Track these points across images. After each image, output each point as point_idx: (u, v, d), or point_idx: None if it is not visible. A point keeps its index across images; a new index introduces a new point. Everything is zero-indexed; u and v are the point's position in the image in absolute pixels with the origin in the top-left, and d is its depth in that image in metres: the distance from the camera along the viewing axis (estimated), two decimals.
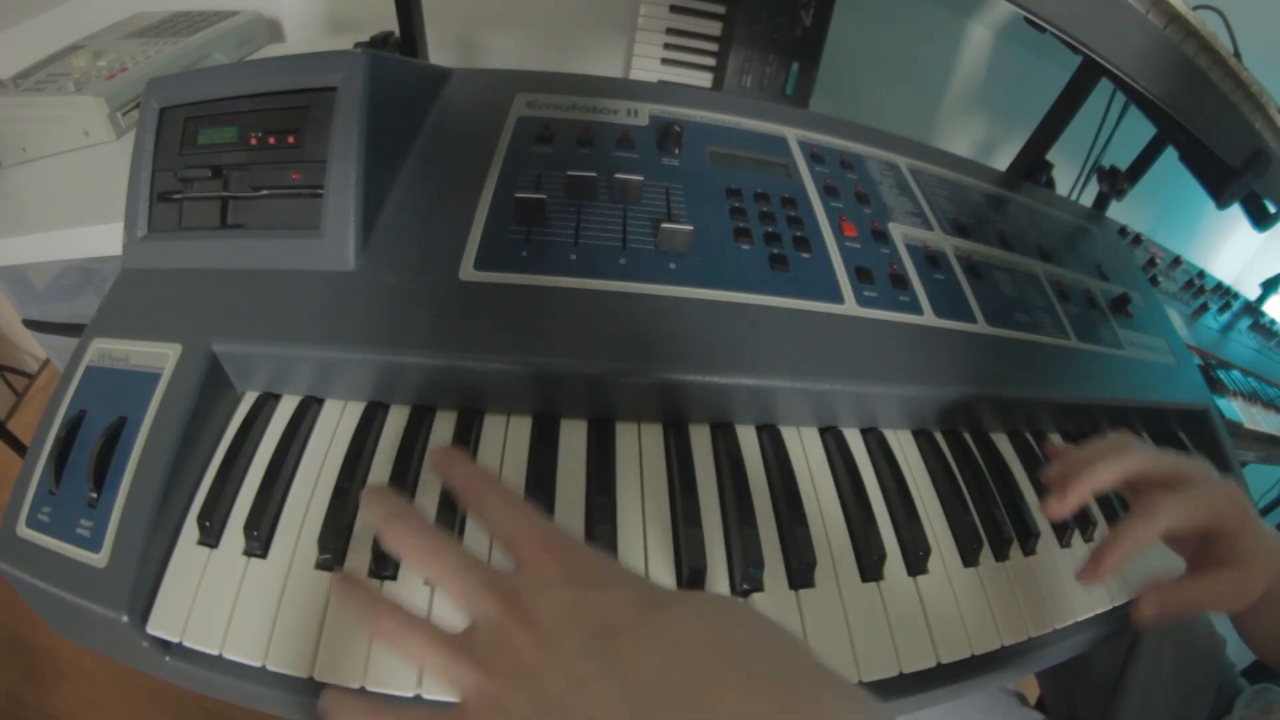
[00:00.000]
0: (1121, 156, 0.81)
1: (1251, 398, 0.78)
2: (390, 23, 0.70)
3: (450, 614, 0.27)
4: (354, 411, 0.40)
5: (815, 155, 0.58)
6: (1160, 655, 0.49)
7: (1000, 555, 0.41)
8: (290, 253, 0.41)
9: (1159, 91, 0.49)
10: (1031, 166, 0.76)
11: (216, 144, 0.42)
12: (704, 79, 0.90)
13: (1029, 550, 0.42)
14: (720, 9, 0.88)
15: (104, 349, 0.38)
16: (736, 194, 0.51)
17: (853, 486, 0.41)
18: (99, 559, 0.32)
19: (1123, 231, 0.80)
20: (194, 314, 0.39)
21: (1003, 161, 0.80)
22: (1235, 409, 0.73)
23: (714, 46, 0.89)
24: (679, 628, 0.22)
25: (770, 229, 0.49)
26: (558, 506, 0.37)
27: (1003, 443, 0.49)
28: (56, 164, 0.70)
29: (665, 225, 0.44)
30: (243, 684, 0.31)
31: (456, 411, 0.40)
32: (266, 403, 0.39)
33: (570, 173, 0.47)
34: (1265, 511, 1.23)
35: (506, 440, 0.39)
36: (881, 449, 0.44)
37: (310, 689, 0.30)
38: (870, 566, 0.38)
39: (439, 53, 0.79)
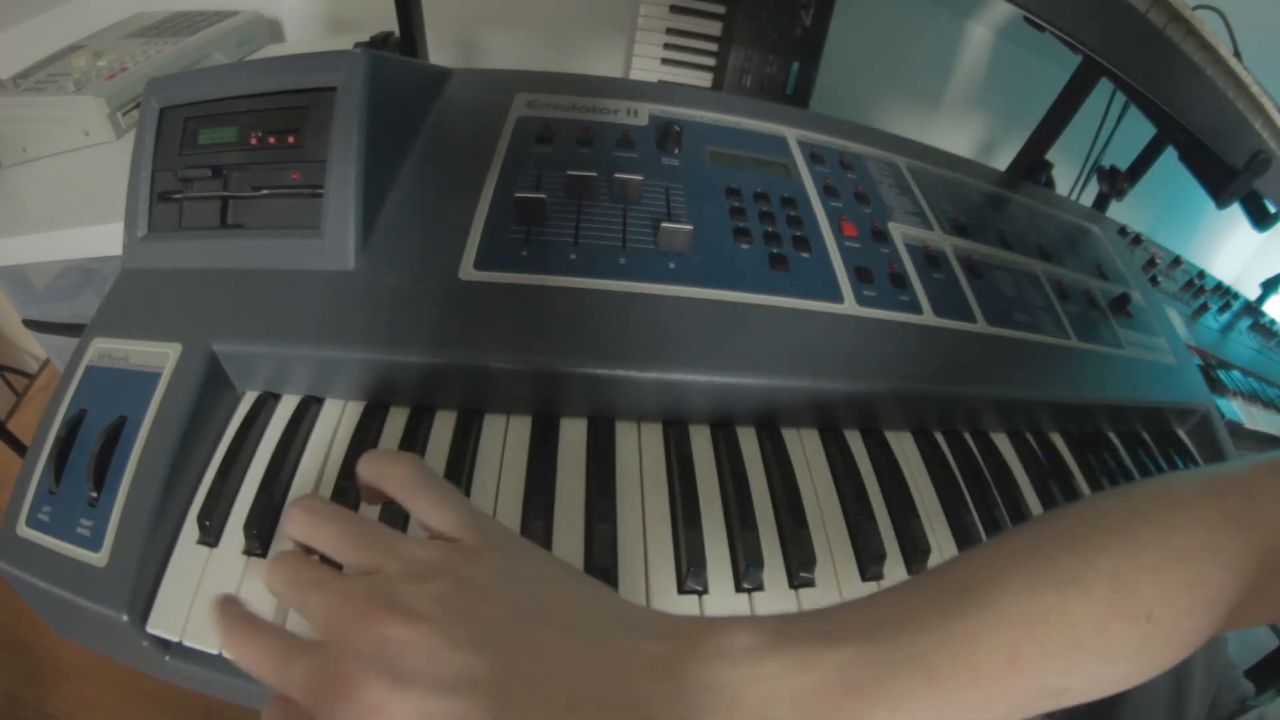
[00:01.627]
0: (1121, 156, 0.81)
1: (1251, 398, 0.78)
2: (390, 23, 0.70)
3: None
4: (354, 411, 0.40)
5: (815, 155, 0.58)
6: None
7: None
8: (290, 253, 0.41)
9: (1159, 91, 0.49)
10: (1031, 166, 0.76)
11: (216, 144, 0.42)
12: (704, 79, 0.90)
13: None
14: (720, 9, 0.88)
15: (104, 349, 0.38)
16: (736, 194, 0.51)
17: (853, 486, 0.41)
18: (99, 558, 0.32)
19: (1123, 231, 0.80)
20: (194, 314, 0.39)
21: (1003, 161, 0.80)
22: (1235, 409, 0.73)
23: (714, 46, 0.89)
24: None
25: (770, 229, 0.49)
26: (558, 506, 0.36)
27: (1003, 443, 0.49)
28: (56, 164, 0.71)
29: (665, 225, 0.44)
30: (242, 684, 0.31)
31: (456, 411, 0.40)
32: (266, 402, 0.39)
33: (570, 172, 0.47)
34: None
35: (506, 440, 0.39)
36: (881, 449, 0.44)
37: None
38: (870, 566, 0.37)
39: (439, 53, 0.79)
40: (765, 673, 0.18)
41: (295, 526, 0.24)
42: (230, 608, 0.23)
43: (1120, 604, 0.19)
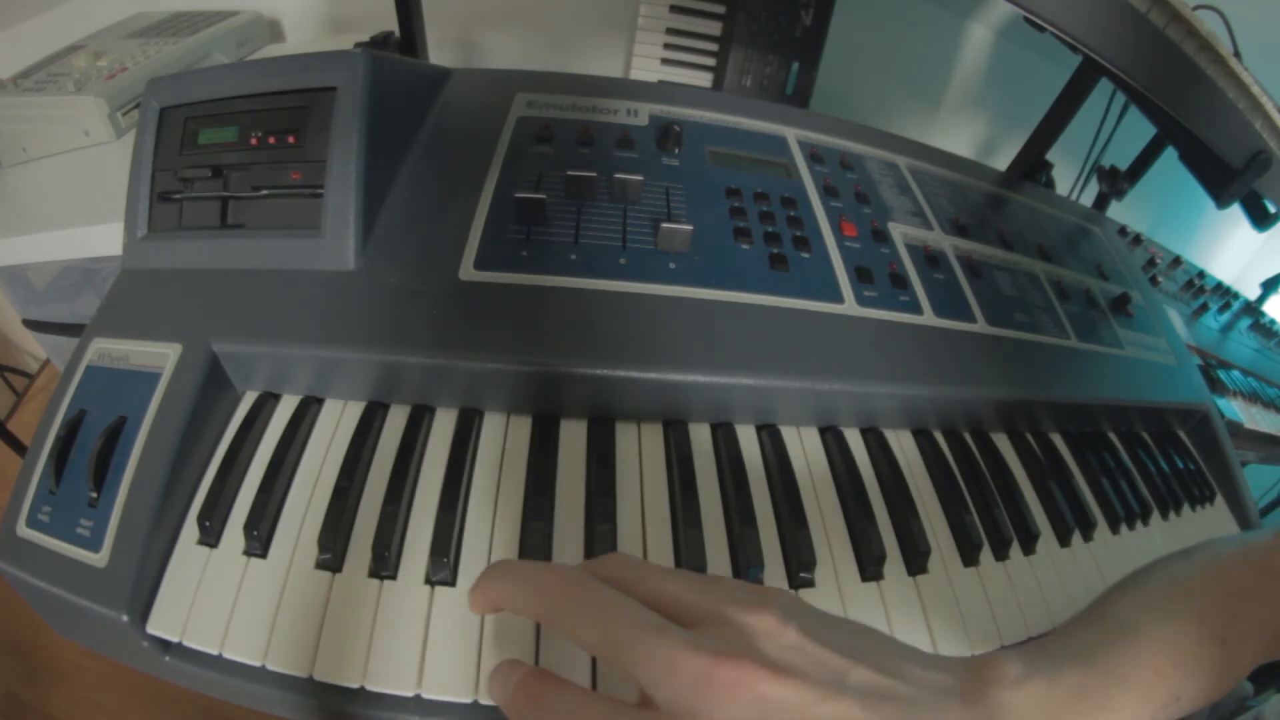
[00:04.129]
0: (1121, 156, 0.81)
1: (1251, 398, 0.78)
2: (390, 23, 0.70)
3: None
4: (354, 411, 0.40)
5: (815, 155, 0.58)
6: None
7: (1000, 555, 0.41)
8: (290, 253, 0.41)
9: (1159, 92, 0.49)
10: (1031, 166, 0.76)
11: (216, 144, 0.42)
12: (704, 79, 0.90)
13: (1029, 550, 0.42)
14: (720, 9, 0.88)
15: (104, 349, 0.38)
16: (736, 194, 0.51)
17: (853, 486, 0.41)
18: (99, 559, 0.32)
19: (1123, 231, 0.80)
20: (194, 314, 0.39)
21: (1003, 161, 0.80)
22: (1235, 409, 0.73)
23: (714, 46, 0.89)
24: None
25: (770, 229, 0.49)
26: (558, 506, 0.36)
27: (1003, 443, 0.49)
28: (56, 164, 0.71)
29: (665, 225, 0.44)
30: (242, 684, 0.31)
31: (457, 411, 0.40)
32: (266, 402, 0.39)
33: (570, 173, 0.47)
34: (1266, 511, 1.23)
35: (506, 440, 0.39)
36: (881, 449, 0.44)
37: (310, 689, 0.30)
38: (870, 566, 0.38)
39: (439, 53, 0.79)
40: (1030, 692, 0.23)
41: (614, 567, 0.24)
42: (525, 674, 0.22)
43: (1207, 631, 0.26)
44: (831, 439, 0.44)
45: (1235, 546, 0.31)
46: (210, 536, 0.34)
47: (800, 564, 0.36)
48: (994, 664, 0.24)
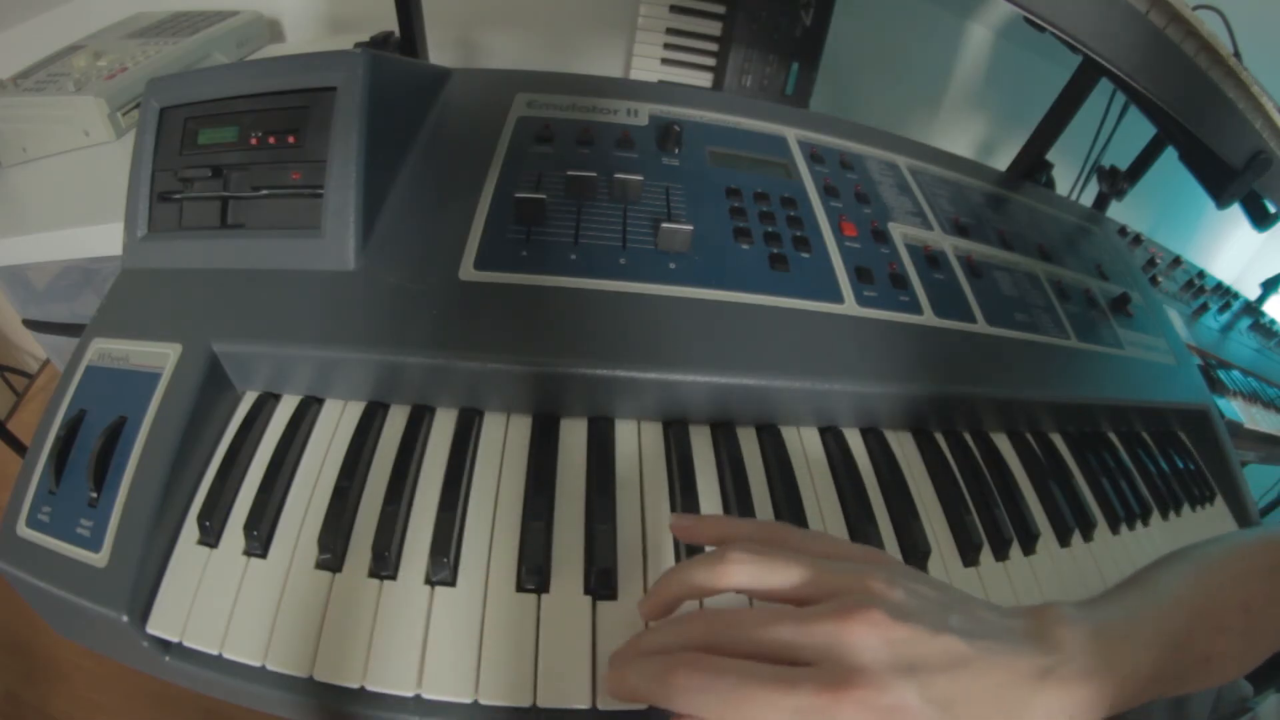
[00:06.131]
0: (1121, 156, 0.81)
1: (1251, 398, 0.78)
2: (390, 23, 0.70)
3: None
4: (354, 411, 0.40)
5: (815, 155, 0.58)
6: None
7: (1000, 555, 0.41)
8: (290, 252, 0.41)
9: (1159, 92, 0.49)
10: (1031, 166, 0.76)
11: (216, 144, 0.42)
12: (704, 79, 0.90)
13: (1029, 550, 0.42)
14: (720, 9, 0.88)
15: (104, 349, 0.38)
16: (736, 194, 0.51)
17: (853, 486, 0.41)
18: (99, 559, 0.32)
19: (1123, 231, 0.80)
20: (194, 314, 0.39)
21: (1003, 161, 0.80)
22: (1235, 409, 0.73)
23: (714, 46, 0.89)
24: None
25: (770, 229, 0.49)
26: (558, 506, 0.37)
27: (1003, 443, 0.49)
28: (56, 164, 0.71)
29: (665, 225, 0.44)
30: (243, 684, 0.31)
31: (457, 411, 0.40)
32: (266, 402, 0.40)
33: (570, 173, 0.47)
34: (1266, 511, 1.23)
35: (506, 440, 0.39)
36: (881, 449, 0.44)
37: (310, 689, 0.30)
38: None
39: (439, 53, 0.79)
40: (1081, 630, 0.27)
41: (741, 571, 0.27)
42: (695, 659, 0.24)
43: (1231, 599, 0.30)
44: (831, 439, 0.44)
45: (1260, 533, 0.36)
46: (210, 536, 0.34)
47: None
48: (1052, 608, 0.28)
